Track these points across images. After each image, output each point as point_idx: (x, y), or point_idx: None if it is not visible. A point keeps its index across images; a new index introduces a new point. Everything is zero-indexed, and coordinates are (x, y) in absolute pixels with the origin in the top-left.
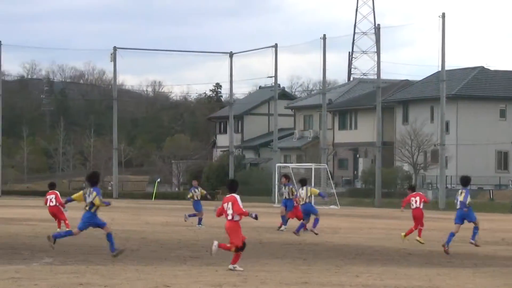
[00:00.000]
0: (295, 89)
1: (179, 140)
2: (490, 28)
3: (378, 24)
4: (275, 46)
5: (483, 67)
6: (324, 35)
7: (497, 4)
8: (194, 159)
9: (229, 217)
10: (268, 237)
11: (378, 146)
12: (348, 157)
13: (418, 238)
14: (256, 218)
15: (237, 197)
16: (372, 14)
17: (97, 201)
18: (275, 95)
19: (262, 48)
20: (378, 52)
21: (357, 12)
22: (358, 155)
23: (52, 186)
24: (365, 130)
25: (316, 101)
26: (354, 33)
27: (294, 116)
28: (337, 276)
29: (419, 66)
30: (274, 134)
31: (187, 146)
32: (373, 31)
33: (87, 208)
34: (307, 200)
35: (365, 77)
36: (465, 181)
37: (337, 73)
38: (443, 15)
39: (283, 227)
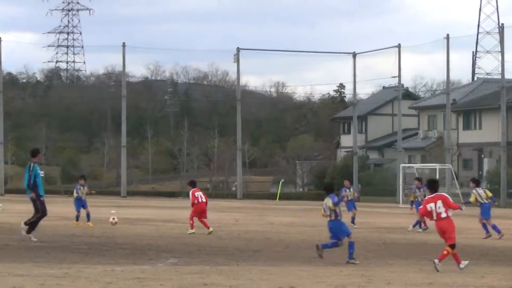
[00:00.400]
0: (419, 89)
1: (302, 140)
2: None
3: (502, 24)
4: (398, 46)
5: None
6: (448, 34)
7: None
8: (318, 160)
9: (443, 215)
10: (391, 238)
11: (503, 146)
12: (473, 157)
13: None
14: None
15: (445, 194)
16: (496, 13)
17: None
18: (399, 95)
19: (385, 48)
20: (502, 52)
21: (481, 12)
22: (482, 155)
23: (194, 184)
24: (489, 130)
25: (440, 101)
26: (478, 32)
27: (418, 116)
28: (462, 277)
29: None
30: (398, 134)
31: (311, 147)
32: (497, 30)
33: (332, 217)
34: None
35: (489, 76)
36: None
37: (461, 73)
38: None
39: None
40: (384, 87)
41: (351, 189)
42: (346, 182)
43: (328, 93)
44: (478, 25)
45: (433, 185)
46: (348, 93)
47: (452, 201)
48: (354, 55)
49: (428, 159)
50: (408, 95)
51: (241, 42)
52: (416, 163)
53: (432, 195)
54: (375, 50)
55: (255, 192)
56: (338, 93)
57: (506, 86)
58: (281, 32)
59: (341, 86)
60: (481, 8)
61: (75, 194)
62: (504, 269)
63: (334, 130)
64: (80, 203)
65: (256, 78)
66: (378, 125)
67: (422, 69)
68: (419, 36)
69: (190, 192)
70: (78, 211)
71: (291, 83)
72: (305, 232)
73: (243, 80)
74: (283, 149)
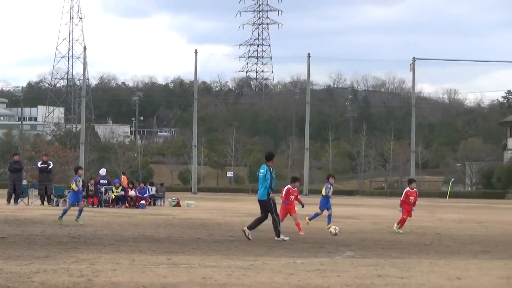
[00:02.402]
0: None
1: (472, 143)
2: None
3: None
4: None
5: None
6: None
7: None
8: (486, 161)
9: None
10: None
11: None
12: None
13: None
14: None
15: None
16: None
17: None
18: None
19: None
20: None
21: None
22: None
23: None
24: None
25: None
26: None
27: None
28: None
29: None
30: None
31: (480, 149)
32: None
33: None
34: None
35: None
36: None
37: None
38: None
39: None
40: None
41: None
42: None
43: (497, 99)
44: None
45: None
46: None
47: None
48: None
49: None
50: None
51: (417, 52)
52: None
53: None
54: None
55: (427, 190)
56: (506, 99)
57: None
58: (453, 43)
59: (509, 92)
60: None
61: (75, 187)
62: None
63: (501, 134)
64: (78, 197)
65: (430, 85)
66: None
67: None
68: None
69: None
70: (73, 205)
71: (462, 90)
72: (472, 228)
73: (418, 87)
74: (454, 151)
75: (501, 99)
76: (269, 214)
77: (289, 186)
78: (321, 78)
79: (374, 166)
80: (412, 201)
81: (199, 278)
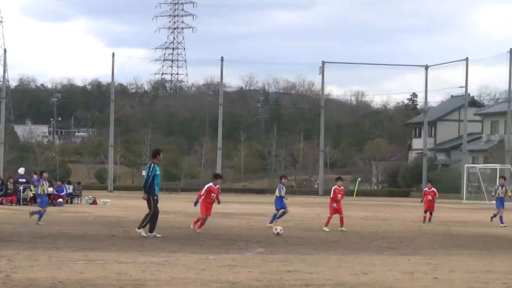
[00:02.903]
0: (483, 98)
1: (378, 143)
2: None
3: None
4: (466, 59)
5: None
6: (511, 49)
7: None
8: (391, 160)
9: None
10: (456, 230)
11: None
12: None
13: None
14: None
15: None
16: None
17: None
18: (466, 103)
19: (454, 62)
20: None
21: None
22: None
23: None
24: None
25: (502, 108)
26: None
27: (482, 122)
28: None
29: None
30: (464, 138)
31: (386, 149)
32: None
33: None
34: None
35: None
36: None
37: None
38: None
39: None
40: (452, 96)
41: (505, 187)
42: (502, 180)
43: (402, 102)
44: None
45: None
46: (420, 101)
47: None
48: (426, 67)
49: (490, 160)
50: (474, 103)
51: (326, 56)
52: (479, 164)
53: None
54: (445, 63)
55: None
56: (411, 101)
57: None
58: (361, 47)
59: (414, 95)
60: None
61: (40, 190)
62: None
63: (406, 134)
64: (45, 199)
65: (338, 88)
66: (446, 130)
67: (487, 80)
68: (485, 50)
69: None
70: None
71: (370, 92)
72: (378, 225)
73: (327, 89)
74: (361, 151)
75: (406, 101)
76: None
77: (210, 184)
78: (233, 80)
79: (284, 166)
80: (340, 198)
81: (114, 274)
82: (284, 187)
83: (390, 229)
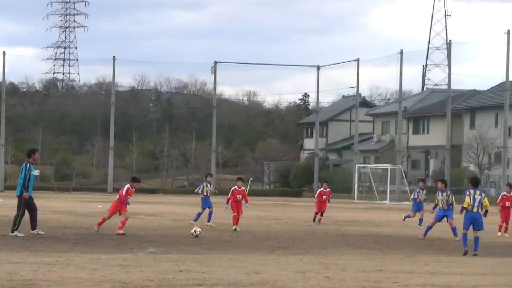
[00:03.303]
0: (374, 98)
1: (270, 143)
2: None
3: (450, 40)
4: (357, 60)
5: None
6: (401, 50)
7: None
8: (283, 160)
9: None
10: (347, 230)
11: (448, 149)
12: (420, 159)
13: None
14: None
15: None
16: (445, 31)
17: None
18: (357, 103)
19: (345, 62)
20: (449, 65)
21: (431, 30)
22: (429, 157)
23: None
24: (436, 134)
25: (393, 108)
26: (428, 48)
27: (373, 122)
28: (408, 264)
29: (486, 77)
30: (355, 138)
31: (277, 149)
32: (445, 46)
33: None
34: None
35: (437, 87)
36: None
37: (412, 84)
38: (508, 32)
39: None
40: (343, 96)
41: (424, 190)
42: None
43: (294, 102)
44: (429, 41)
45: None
46: (311, 101)
47: None
48: (318, 67)
49: (381, 160)
50: (365, 103)
51: (219, 55)
52: (370, 164)
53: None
54: (336, 64)
55: (227, 189)
56: (303, 102)
57: (452, 95)
58: (254, 47)
59: (306, 95)
60: (432, 26)
61: None
62: (447, 258)
63: (298, 134)
64: None
65: (230, 88)
66: (338, 130)
67: (378, 80)
68: (378, 51)
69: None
70: None
71: (262, 92)
72: (270, 224)
73: (219, 89)
74: (253, 151)
75: (298, 102)
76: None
77: (128, 185)
78: (126, 80)
79: (176, 165)
80: (240, 199)
81: (5, 274)
82: (209, 185)
83: (282, 228)
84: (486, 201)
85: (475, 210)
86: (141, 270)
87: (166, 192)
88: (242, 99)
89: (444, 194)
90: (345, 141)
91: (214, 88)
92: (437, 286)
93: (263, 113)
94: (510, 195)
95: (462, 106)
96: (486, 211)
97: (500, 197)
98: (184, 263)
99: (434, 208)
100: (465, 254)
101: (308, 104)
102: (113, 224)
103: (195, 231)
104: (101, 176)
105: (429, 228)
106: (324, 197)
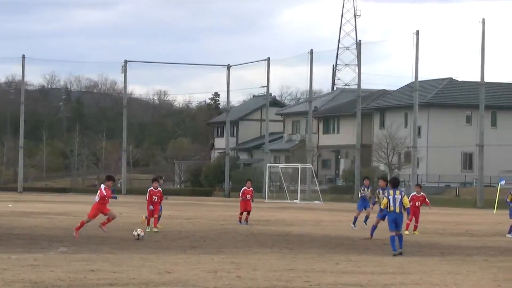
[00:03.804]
0: (285, 98)
1: (181, 143)
2: (458, 44)
3: (359, 40)
4: (268, 59)
5: (452, 78)
6: (311, 50)
7: (463, 23)
8: (194, 160)
9: None
10: (259, 229)
11: (358, 148)
12: (331, 158)
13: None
14: None
15: None
16: (354, 31)
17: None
18: (267, 103)
19: (256, 61)
20: (359, 65)
21: (341, 30)
22: (339, 156)
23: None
24: (346, 134)
25: (303, 108)
26: (338, 48)
27: (284, 122)
28: (319, 263)
29: (395, 77)
30: (266, 137)
31: (188, 148)
32: (355, 46)
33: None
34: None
35: (347, 87)
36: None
37: (322, 84)
38: (417, 32)
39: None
40: (254, 96)
41: (369, 188)
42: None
43: (205, 101)
44: (338, 41)
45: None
46: (222, 100)
47: None
48: (229, 67)
49: (291, 160)
50: (275, 102)
51: (129, 54)
52: (281, 163)
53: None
54: (247, 63)
55: (138, 188)
56: (214, 101)
57: (361, 95)
58: (165, 46)
59: (216, 94)
60: (342, 26)
61: None
62: (357, 257)
63: (209, 134)
64: None
65: (141, 87)
66: (248, 129)
67: (288, 80)
68: (288, 50)
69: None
70: None
71: (173, 91)
72: (181, 224)
73: (130, 88)
74: (164, 150)
75: (208, 101)
76: None
77: (103, 185)
78: (35, 78)
79: (87, 165)
80: (157, 200)
81: None
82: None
83: (193, 228)
84: (405, 200)
85: (398, 210)
86: (51, 270)
87: (76, 191)
88: (153, 99)
89: (385, 192)
90: (255, 141)
91: (125, 87)
92: (348, 285)
93: (174, 113)
94: (420, 195)
95: (372, 106)
96: (408, 209)
97: (410, 197)
98: (95, 262)
99: (373, 204)
100: (395, 255)
101: (219, 104)
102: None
103: (138, 234)
104: (11, 175)
105: (374, 227)
106: (248, 196)
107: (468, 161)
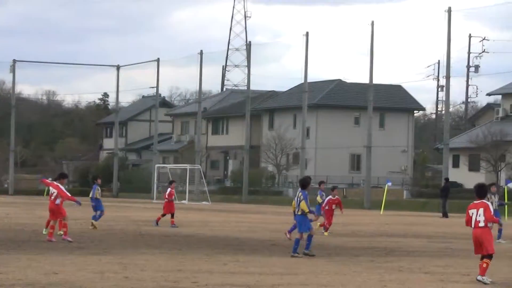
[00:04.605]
0: (174, 98)
1: (69, 143)
2: (348, 46)
3: (249, 41)
4: (158, 60)
5: (340, 80)
6: (201, 50)
7: (353, 25)
8: (82, 160)
9: (481, 224)
10: (146, 230)
11: (246, 149)
12: (220, 159)
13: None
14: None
15: (489, 204)
16: (245, 32)
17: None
18: (156, 103)
19: (145, 62)
20: (248, 66)
21: (231, 31)
22: (228, 157)
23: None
24: (235, 135)
25: (193, 109)
26: (228, 49)
27: (173, 122)
28: (207, 264)
29: (285, 79)
30: (154, 138)
31: (77, 149)
32: (244, 47)
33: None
34: None
35: (236, 88)
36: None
37: (212, 84)
38: (307, 34)
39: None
40: (143, 96)
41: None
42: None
43: (94, 101)
44: (228, 42)
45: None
46: (111, 101)
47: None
48: (118, 67)
49: (180, 160)
50: (165, 103)
51: (17, 54)
52: (170, 164)
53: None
54: (136, 63)
55: (26, 188)
56: (103, 101)
57: (251, 96)
58: (54, 46)
59: (105, 95)
60: (232, 28)
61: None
62: (244, 257)
63: (98, 134)
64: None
65: (30, 87)
66: (137, 130)
67: (178, 81)
68: (178, 51)
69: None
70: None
71: (62, 92)
72: (69, 225)
73: (18, 88)
74: (52, 150)
75: (97, 101)
76: None
77: (57, 183)
78: None
79: None
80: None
81: None
82: (98, 188)
83: (80, 229)
84: (302, 204)
85: (299, 212)
86: None
87: None
88: (41, 98)
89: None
90: (144, 141)
91: (13, 87)
92: (235, 286)
93: (63, 113)
94: (335, 198)
95: (261, 107)
96: (304, 212)
97: (325, 201)
98: None
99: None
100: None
101: (108, 104)
102: None
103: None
104: None
105: (294, 228)
106: (173, 197)
107: (356, 162)
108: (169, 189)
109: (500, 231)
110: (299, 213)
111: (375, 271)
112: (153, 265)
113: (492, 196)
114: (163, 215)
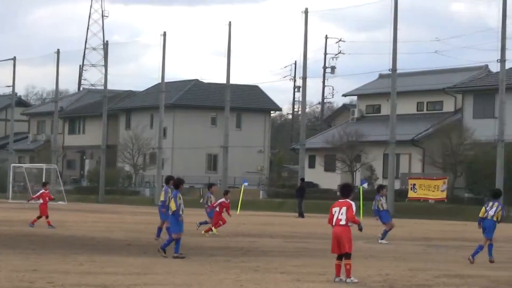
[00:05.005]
0: (31, 98)
1: None
2: (204, 46)
3: (107, 41)
4: (14, 59)
5: (198, 80)
6: (58, 49)
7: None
8: None
9: (342, 223)
10: (2, 230)
11: (103, 149)
12: (76, 159)
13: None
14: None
15: (352, 203)
16: (102, 32)
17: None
18: (13, 102)
19: (1, 61)
20: (105, 65)
21: (88, 30)
22: (85, 157)
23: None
24: (92, 135)
25: (49, 108)
26: (85, 48)
27: (29, 122)
28: (63, 264)
29: (143, 78)
30: (10, 137)
31: None
32: (101, 46)
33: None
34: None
35: (93, 87)
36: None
37: (69, 84)
38: (164, 34)
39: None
40: None
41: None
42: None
43: None
44: (86, 41)
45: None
46: None
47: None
48: None
49: (36, 160)
50: (21, 102)
51: None
52: (26, 163)
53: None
54: None
55: None
56: None
57: (108, 96)
58: None
59: None
60: (89, 27)
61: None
62: (101, 257)
63: None
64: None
65: None
66: None
67: (35, 80)
68: (34, 50)
69: None
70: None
71: None
72: None
73: None
74: None
75: None
76: None
77: (43, 190)
78: None
79: None
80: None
81: None
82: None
83: None
84: (171, 203)
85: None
86: None
87: None
88: None
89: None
90: (0, 141)
91: None
92: (91, 286)
93: None
94: (227, 202)
95: (118, 107)
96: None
97: (218, 203)
98: None
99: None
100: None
101: None
102: None
103: None
104: None
105: (160, 230)
106: (47, 198)
107: (212, 162)
108: (41, 191)
109: (385, 232)
110: (170, 213)
111: (232, 271)
112: (7, 265)
113: (381, 198)
114: (40, 217)
